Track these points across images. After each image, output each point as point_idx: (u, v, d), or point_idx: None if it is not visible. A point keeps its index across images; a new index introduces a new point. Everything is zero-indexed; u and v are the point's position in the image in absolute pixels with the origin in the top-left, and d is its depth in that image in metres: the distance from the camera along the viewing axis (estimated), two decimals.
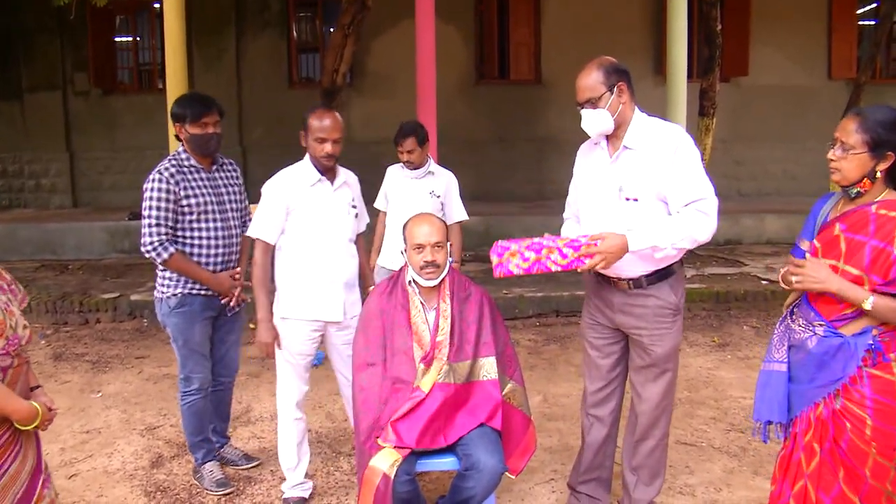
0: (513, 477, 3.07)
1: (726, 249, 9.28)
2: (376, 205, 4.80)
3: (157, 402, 4.85)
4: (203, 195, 3.53)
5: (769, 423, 2.51)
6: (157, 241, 3.42)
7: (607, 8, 11.47)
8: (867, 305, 2.23)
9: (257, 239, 3.34)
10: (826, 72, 11.99)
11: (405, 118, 4.81)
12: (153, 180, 3.46)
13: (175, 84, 7.25)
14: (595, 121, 2.82)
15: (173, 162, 3.53)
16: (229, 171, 3.75)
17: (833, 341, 2.33)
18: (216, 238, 3.56)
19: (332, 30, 9.23)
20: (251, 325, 5.04)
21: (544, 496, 3.52)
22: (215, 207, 3.56)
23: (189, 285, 3.52)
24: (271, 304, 3.38)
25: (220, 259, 3.57)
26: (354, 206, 3.48)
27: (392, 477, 2.68)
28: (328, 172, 3.36)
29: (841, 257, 2.32)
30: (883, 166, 2.29)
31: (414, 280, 3.04)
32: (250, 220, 3.60)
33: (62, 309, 6.93)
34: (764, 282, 7.37)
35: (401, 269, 3.17)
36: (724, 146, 11.22)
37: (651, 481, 3.12)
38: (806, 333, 2.41)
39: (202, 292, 3.55)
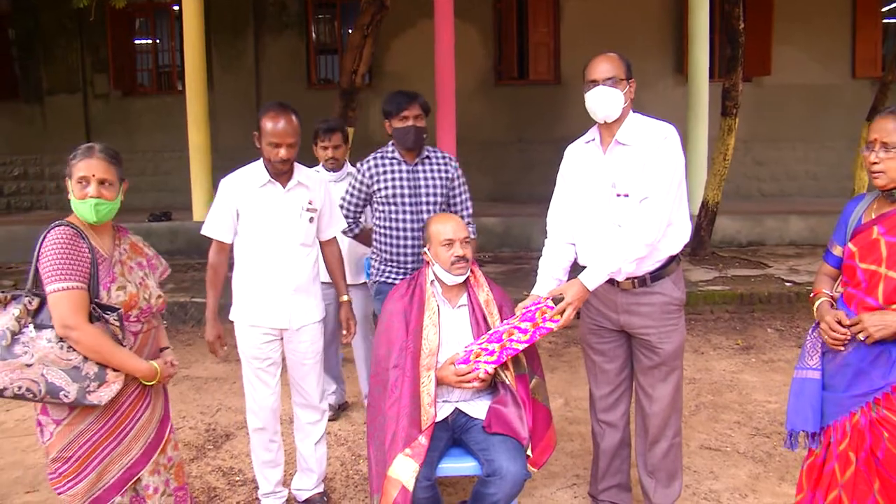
0: (535, 470, 3.03)
1: (749, 251, 9.17)
2: None
3: (175, 405, 4.83)
4: (397, 187, 3.60)
5: (802, 431, 2.44)
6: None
7: (627, 7, 11.39)
8: None
9: (211, 238, 3.25)
10: (850, 70, 11.82)
11: None
12: (356, 170, 3.76)
13: (194, 85, 7.28)
14: (610, 98, 2.78)
15: (378, 154, 3.71)
16: (437, 163, 3.71)
17: (873, 348, 2.25)
18: (405, 230, 3.61)
19: (350, 30, 9.22)
20: None
21: (566, 501, 3.47)
22: (406, 200, 3.60)
23: (387, 275, 3.67)
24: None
25: (409, 251, 3.61)
26: (313, 210, 3.28)
27: (411, 490, 2.63)
28: (281, 176, 3.20)
29: (882, 262, 2.24)
30: None
31: (437, 279, 3.00)
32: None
33: None
34: (788, 283, 7.26)
35: (418, 271, 3.14)
36: (745, 146, 11.11)
37: (669, 483, 3.06)
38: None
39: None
